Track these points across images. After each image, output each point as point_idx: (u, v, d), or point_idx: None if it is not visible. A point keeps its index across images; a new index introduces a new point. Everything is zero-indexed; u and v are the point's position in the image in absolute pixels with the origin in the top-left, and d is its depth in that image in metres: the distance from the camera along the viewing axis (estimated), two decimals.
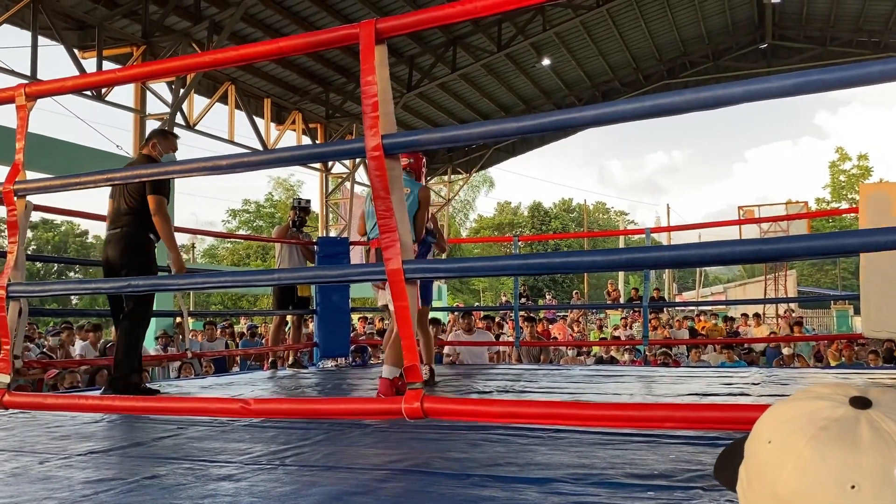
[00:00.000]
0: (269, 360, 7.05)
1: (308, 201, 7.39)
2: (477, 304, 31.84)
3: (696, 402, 3.92)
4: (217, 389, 4.99)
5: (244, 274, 3.37)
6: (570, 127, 1.98)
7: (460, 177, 23.17)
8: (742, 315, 13.98)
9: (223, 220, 39.87)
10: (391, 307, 3.68)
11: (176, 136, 4.68)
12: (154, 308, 4.69)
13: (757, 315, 13.71)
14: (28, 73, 10.14)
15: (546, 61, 17.84)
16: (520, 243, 7.23)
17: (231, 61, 2.30)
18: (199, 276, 3.38)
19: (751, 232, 16.46)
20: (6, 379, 2.63)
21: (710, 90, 1.78)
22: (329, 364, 6.92)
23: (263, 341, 10.87)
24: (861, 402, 0.61)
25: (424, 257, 4.81)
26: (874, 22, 17.54)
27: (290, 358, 7.01)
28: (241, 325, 13.69)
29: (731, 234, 18.20)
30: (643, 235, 7.35)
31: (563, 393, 4.48)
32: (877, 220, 4.73)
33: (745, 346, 10.39)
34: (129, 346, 4.09)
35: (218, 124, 14.19)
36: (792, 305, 17.09)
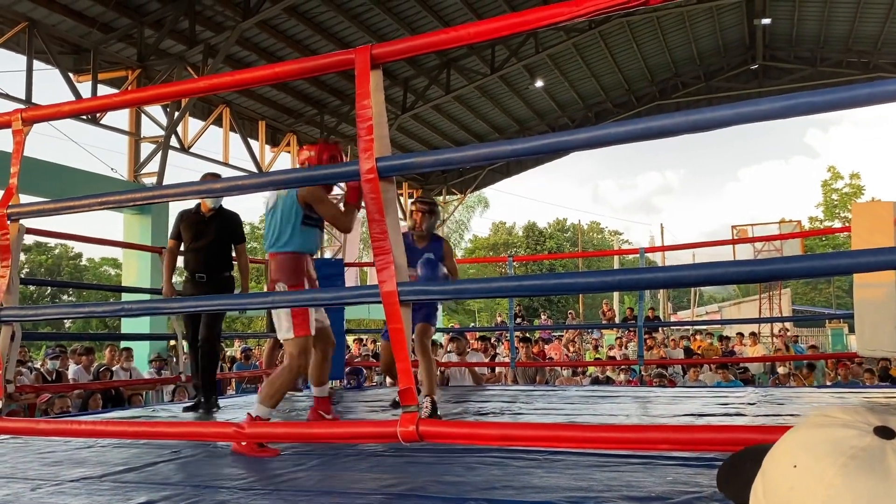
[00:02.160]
0: (264, 382, 7.00)
1: None
2: (473, 324, 31.78)
3: (692, 422, 3.92)
4: (218, 413, 4.96)
5: (238, 297, 3.37)
6: (562, 150, 1.99)
7: (455, 197, 23.24)
8: (737, 334, 13.99)
9: None
10: (278, 333, 3.41)
11: (218, 176, 5.08)
12: (148, 331, 4.93)
13: (753, 334, 13.72)
14: (23, 97, 10.16)
15: (539, 83, 17.99)
16: (514, 264, 7.22)
17: (228, 86, 2.31)
18: (191, 300, 3.37)
19: (745, 251, 16.52)
20: None
21: (700, 113, 1.80)
22: None
23: (258, 364, 10.82)
24: (885, 432, 0.61)
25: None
26: (863, 42, 17.76)
27: None
28: (236, 349, 13.63)
29: (725, 253, 18.25)
30: (637, 255, 7.38)
31: (560, 414, 4.46)
32: (869, 239, 4.76)
33: (741, 365, 10.38)
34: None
35: (213, 146, 14.22)
36: (787, 324, 17.12)
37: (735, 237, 16.71)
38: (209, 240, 4.92)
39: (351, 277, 11.68)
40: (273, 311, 3.46)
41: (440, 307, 4.69)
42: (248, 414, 3.16)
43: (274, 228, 3.45)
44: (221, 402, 6.11)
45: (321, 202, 3.41)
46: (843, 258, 1.88)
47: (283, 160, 16.12)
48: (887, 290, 4.86)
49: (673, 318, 26.30)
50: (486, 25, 2.07)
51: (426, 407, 4.16)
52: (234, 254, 5.16)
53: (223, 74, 2.25)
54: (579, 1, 1.85)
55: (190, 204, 5.08)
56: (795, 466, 0.62)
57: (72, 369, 8.06)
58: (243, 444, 2.92)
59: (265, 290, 5.38)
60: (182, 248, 5.01)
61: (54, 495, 2.36)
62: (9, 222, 2.65)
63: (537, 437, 1.76)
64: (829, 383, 9.86)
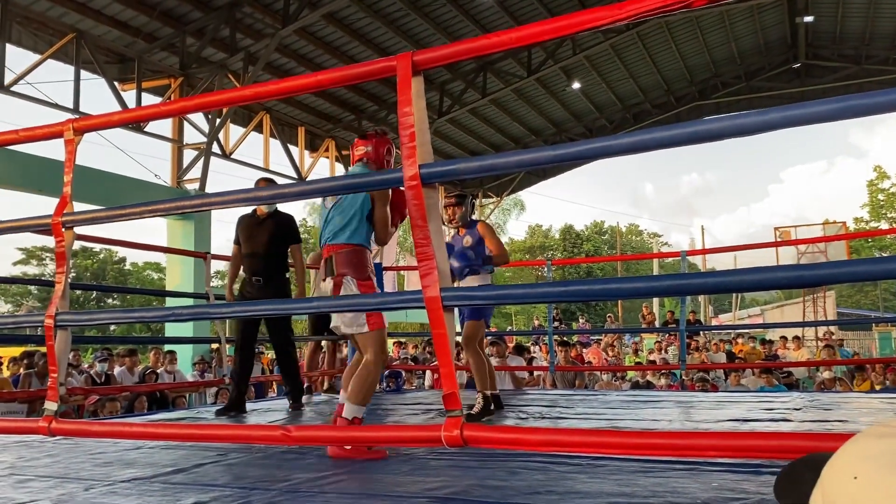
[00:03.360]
0: (305, 385, 7.08)
1: None
2: (510, 327, 31.69)
3: (737, 428, 3.86)
4: (255, 416, 5.03)
5: (283, 302, 3.41)
6: (606, 155, 1.99)
7: (491, 200, 23.22)
8: (781, 338, 13.72)
9: None
10: (346, 329, 3.27)
11: (272, 181, 5.37)
12: (192, 335, 5.04)
13: (797, 338, 13.44)
14: (71, 106, 10.44)
15: (576, 85, 17.90)
16: (552, 267, 7.20)
17: (273, 94, 2.35)
18: (240, 305, 3.43)
19: (788, 253, 16.19)
20: (54, 406, 2.69)
21: (746, 117, 1.78)
22: None
23: (302, 365, 10.93)
24: None
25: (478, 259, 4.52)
26: None
27: (325, 383, 7.04)
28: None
29: (767, 255, 17.91)
30: (677, 258, 7.28)
31: (601, 419, 4.43)
32: None
33: (784, 369, 10.17)
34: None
35: (253, 152, 14.45)
36: (831, 328, 16.73)
37: (778, 239, 16.39)
38: (264, 242, 4.99)
39: (388, 281, 11.74)
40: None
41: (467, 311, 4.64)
42: (342, 416, 3.11)
43: (339, 221, 3.31)
44: (263, 404, 6.22)
45: (383, 204, 3.36)
46: (895, 262, 1.84)
47: (322, 165, 16.30)
48: None
49: (714, 322, 25.91)
50: (528, 30, 2.08)
51: (478, 403, 4.27)
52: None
53: (267, 84, 2.30)
54: (621, 4, 1.84)
55: (248, 209, 5.22)
56: (856, 478, 0.62)
57: (116, 371, 8.25)
58: (347, 448, 2.90)
59: (311, 286, 5.49)
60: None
61: (107, 496, 2.42)
62: (64, 230, 2.73)
63: (582, 444, 1.76)
64: (877, 388, 9.61)
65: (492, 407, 4.37)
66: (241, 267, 5.12)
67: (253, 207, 5.12)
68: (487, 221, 4.88)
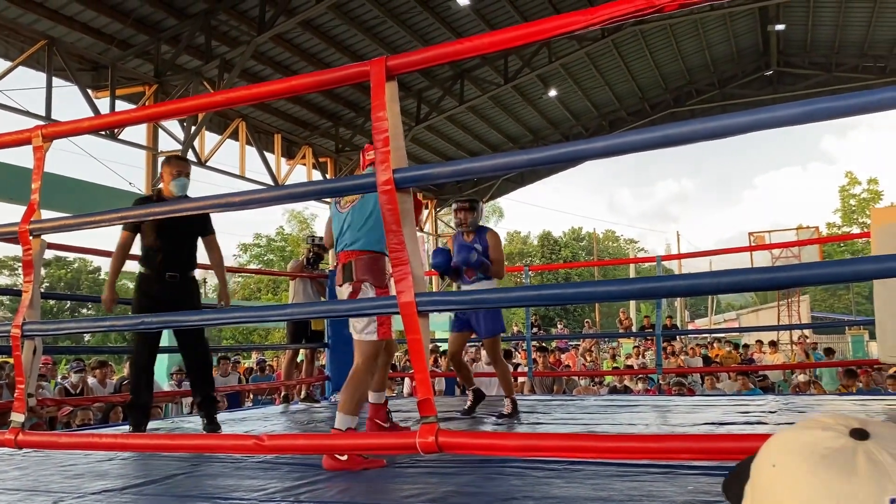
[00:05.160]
0: (282, 394, 7.03)
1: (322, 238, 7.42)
2: None
3: (713, 431, 3.88)
4: (231, 425, 4.97)
5: (255, 310, 3.37)
6: (579, 158, 1.99)
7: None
8: (756, 342, 13.86)
9: (234, 255, 40.09)
10: (353, 334, 3.31)
11: (182, 160, 4.62)
12: (167, 344, 4.76)
13: (772, 342, 13.60)
14: (43, 114, 10.30)
15: (553, 92, 18.00)
16: (530, 273, 7.22)
17: (244, 100, 2.33)
18: (209, 313, 3.39)
19: (762, 258, 16.38)
20: (21, 418, 2.63)
21: (717, 120, 1.79)
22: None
23: (275, 375, 10.85)
24: (860, 434, 0.66)
25: (483, 266, 4.63)
26: (879, 47, 17.63)
27: (303, 392, 6.98)
28: (251, 360, 13.66)
29: (742, 260, 18.12)
30: (654, 264, 7.34)
31: (578, 424, 4.44)
32: (889, 245, 4.70)
33: (760, 373, 10.27)
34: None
35: (229, 160, 14.36)
36: (806, 331, 16.93)
37: (752, 244, 16.58)
38: (182, 231, 4.30)
39: None
40: None
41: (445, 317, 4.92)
42: (335, 428, 3.03)
43: (357, 227, 3.32)
44: (240, 414, 6.14)
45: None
46: (864, 264, 1.86)
47: (299, 173, 16.22)
48: None
49: (691, 327, 26.11)
50: (501, 35, 2.08)
51: (508, 406, 4.69)
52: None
53: (239, 89, 2.28)
54: (593, 10, 1.85)
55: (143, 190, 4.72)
56: (774, 466, 0.66)
57: (90, 382, 8.12)
58: (343, 458, 2.79)
59: (290, 293, 5.40)
60: (142, 243, 4.31)
61: None
62: (31, 238, 2.68)
63: (557, 448, 1.76)
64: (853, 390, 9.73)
65: (518, 409, 4.77)
66: (145, 259, 4.32)
67: (156, 189, 4.49)
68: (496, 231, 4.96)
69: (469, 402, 5.03)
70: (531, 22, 2.02)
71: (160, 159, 12.11)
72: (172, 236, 4.29)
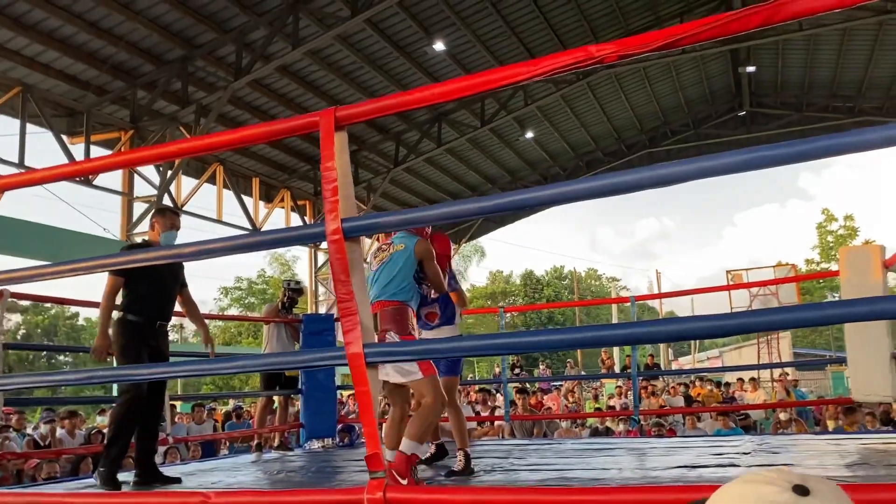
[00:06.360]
0: (255, 442, 6.89)
1: (299, 283, 7.38)
2: (471, 375, 31.50)
3: (685, 474, 3.84)
4: (198, 476, 4.85)
5: (202, 363, 3.28)
6: (526, 207, 1.99)
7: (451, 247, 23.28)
8: (738, 380, 13.85)
9: (215, 298, 39.79)
10: (401, 380, 3.49)
11: (175, 213, 4.60)
12: None
13: (753, 380, 13.59)
14: (16, 160, 10.24)
15: (529, 134, 18.21)
16: (513, 313, 7.19)
17: (194, 151, 2.33)
18: (160, 366, 3.33)
19: (740, 296, 16.48)
20: None
21: (663, 168, 1.80)
22: (316, 445, 6.77)
23: (251, 422, 10.66)
24: (801, 490, 0.70)
25: (448, 310, 4.49)
26: (847, 88, 18.06)
27: (277, 440, 6.85)
28: (230, 406, 13.46)
29: (723, 297, 18.22)
30: (637, 302, 7.31)
31: (552, 469, 4.37)
32: (858, 283, 4.74)
33: (741, 411, 10.25)
34: (110, 431, 4.10)
35: (207, 203, 14.28)
36: (787, 369, 16.96)
37: (730, 282, 16.69)
38: (170, 280, 4.27)
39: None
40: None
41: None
42: (400, 451, 3.29)
43: (386, 279, 3.59)
44: (211, 464, 5.99)
45: (432, 260, 3.72)
46: (831, 308, 1.85)
47: (278, 216, 16.21)
48: (879, 335, 4.81)
49: (674, 365, 26.10)
50: (450, 86, 2.10)
51: (460, 460, 4.18)
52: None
53: (190, 140, 2.28)
54: (536, 61, 1.87)
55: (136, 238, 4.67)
56: None
57: (59, 433, 7.94)
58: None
59: (265, 340, 5.30)
60: (132, 290, 4.14)
61: None
62: None
63: (503, 503, 1.72)
64: (830, 428, 9.72)
65: (472, 465, 4.25)
66: (132, 306, 4.14)
67: (143, 238, 4.66)
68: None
69: (429, 453, 4.77)
70: (476, 73, 2.04)
71: (136, 204, 12.07)
72: (164, 286, 4.25)
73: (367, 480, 1.95)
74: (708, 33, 1.63)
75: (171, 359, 4.64)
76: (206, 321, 4.86)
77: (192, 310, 4.62)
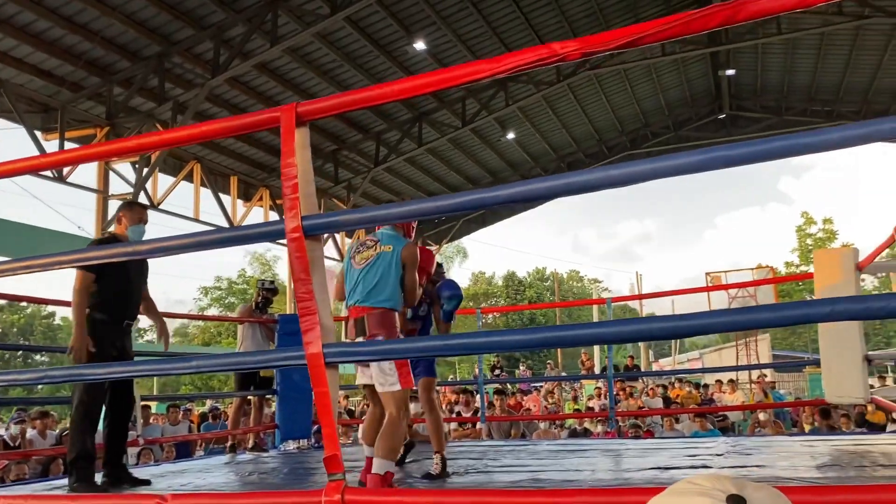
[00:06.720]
0: (229, 443, 6.82)
1: (272, 282, 7.32)
2: (451, 376, 31.47)
3: (658, 476, 3.84)
4: (168, 478, 4.78)
5: (158, 363, 3.19)
6: (486, 206, 1.97)
7: (431, 248, 23.26)
8: (716, 381, 13.93)
9: (195, 298, 39.45)
10: (378, 387, 3.46)
11: (143, 207, 4.54)
12: None
13: (731, 381, 13.67)
14: None
15: (511, 135, 18.22)
16: (496, 314, 7.17)
17: (155, 146, 2.28)
18: (114, 365, 3.27)
19: (720, 297, 16.58)
20: None
21: (616, 169, 1.78)
22: (292, 446, 6.71)
23: (227, 423, 10.57)
24: (736, 500, 0.67)
25: (426, 332, 4.44)
26: (825, 92, 18.24)
27: (251, 441, 6.79)
28: (207, 406, 13.33)
29: (702, 299, 18.33)
30: (621, 304, 7.32)
31: (525, 471, 4.35)
32: (832, 286, 4.77)
33: (720, 413, 10.30)
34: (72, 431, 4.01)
35: (184, 202, 14.13)
36: (766, 370, 17.09)
37: (709, 284, 16.79)
38: (138, 278, 4.22)
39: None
40: (375, 363, 3.37)
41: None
42: (375, 473, 3.23)
43: (370, 283, 3.50)
44: (183, 465, 5.91)
45: (413, 267, 3.56)
46: (788, 310, 1.84)
47: (256, 214, 16.09)
48: (852, 337, 4.84)
49: (655, 366, 26.23)
50: (413, 82, 2.06)
51: (436, 464, 4.10)
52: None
53: (150, 134, 2.23)
54: (498, 59, 1.85)
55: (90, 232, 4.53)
56: None
57: (29, 434, 7.81)
58: None
59: (239, 339, 5.21)
60: (99, 287, 4.00)
61: None
62: None
63: None
64: (807, 430, 9.79)
65: (448, 469, 4.17)
66: (101, 305, 4.00)
67: (108, 232, 4.37)
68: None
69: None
70: (440, 70, 2.02)
71: (111, 201, 11.92)
72: (131, 282, 4.15)
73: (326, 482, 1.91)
74: (669, 32, 1.61)
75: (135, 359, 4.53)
76: (185, 321, 4.77)
77: (149, 305, 4.50)
